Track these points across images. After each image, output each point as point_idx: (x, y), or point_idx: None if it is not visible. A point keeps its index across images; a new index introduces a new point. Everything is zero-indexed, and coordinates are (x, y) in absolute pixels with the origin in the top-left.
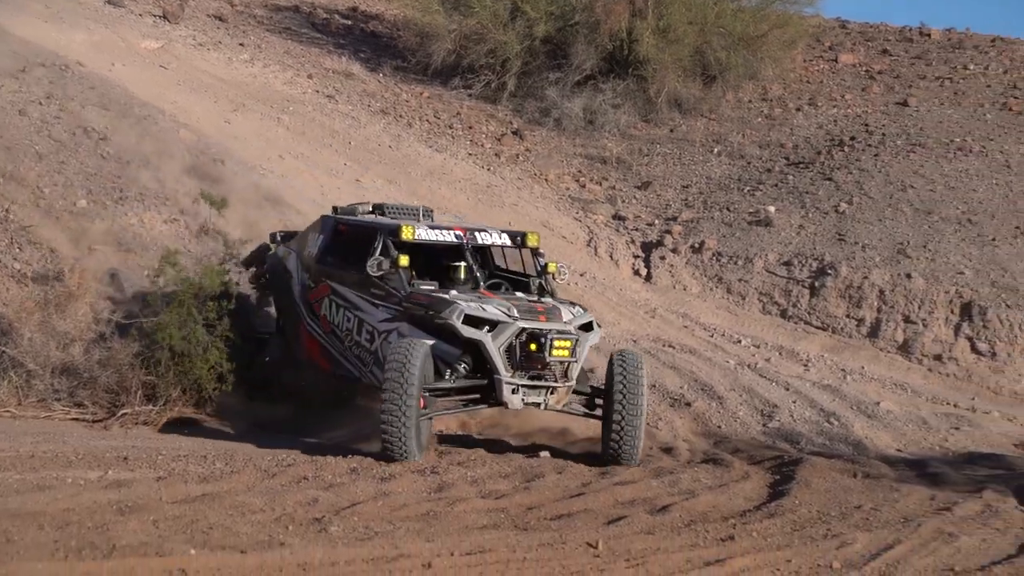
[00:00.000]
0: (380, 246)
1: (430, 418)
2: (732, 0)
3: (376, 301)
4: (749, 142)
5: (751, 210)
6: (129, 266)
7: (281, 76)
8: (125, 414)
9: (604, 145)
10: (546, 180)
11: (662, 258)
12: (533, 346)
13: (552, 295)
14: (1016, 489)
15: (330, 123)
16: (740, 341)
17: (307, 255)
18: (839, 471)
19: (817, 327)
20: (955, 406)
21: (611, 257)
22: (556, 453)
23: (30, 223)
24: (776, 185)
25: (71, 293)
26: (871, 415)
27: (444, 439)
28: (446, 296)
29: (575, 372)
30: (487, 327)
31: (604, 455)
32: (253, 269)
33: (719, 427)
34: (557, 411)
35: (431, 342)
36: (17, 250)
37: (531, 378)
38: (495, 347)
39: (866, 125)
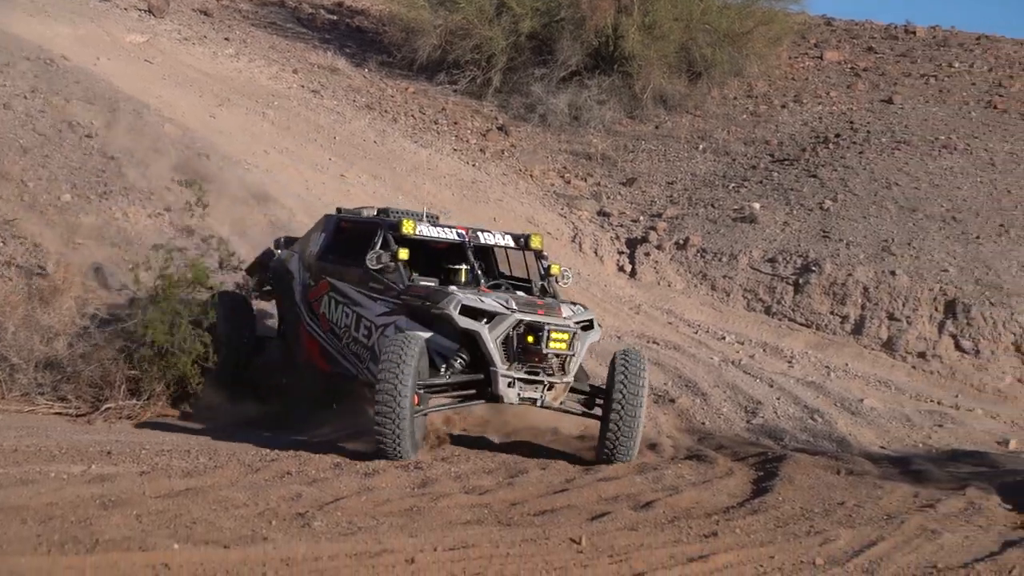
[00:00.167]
0: (380, 240)
1: (425, 415)
2: None
3: (374, 295)
4: (734, 139)
5: (736, 207)
6: (114, 261)
7: (266, 71)
8: (109, 408)
9: (589, 141)
10: (531, 176)
11: (647, 254)
12: (530, 338)
13: (554, 297)
14: (999, 487)
15: (315, 118)
16: (724, 338)
17: (309, 254)
18: (823, 468)
19: (801, 324)
20: (939, 403)
21: (596, 253)
22: (543, 452)
23: (14, 217)
24: (761, 182)
25: (55, 287)
26: (855, 412)
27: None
28: (444, 288)
29: (573, 368)
30: (485, 319)
31: (599, 454)
32: (258, 276)
33: (703, 423)
34: (554, 409)
35: (428, 335)
36: (1, 244)
37: (528, 372)
38: (492, 338)
39: (851, 122)
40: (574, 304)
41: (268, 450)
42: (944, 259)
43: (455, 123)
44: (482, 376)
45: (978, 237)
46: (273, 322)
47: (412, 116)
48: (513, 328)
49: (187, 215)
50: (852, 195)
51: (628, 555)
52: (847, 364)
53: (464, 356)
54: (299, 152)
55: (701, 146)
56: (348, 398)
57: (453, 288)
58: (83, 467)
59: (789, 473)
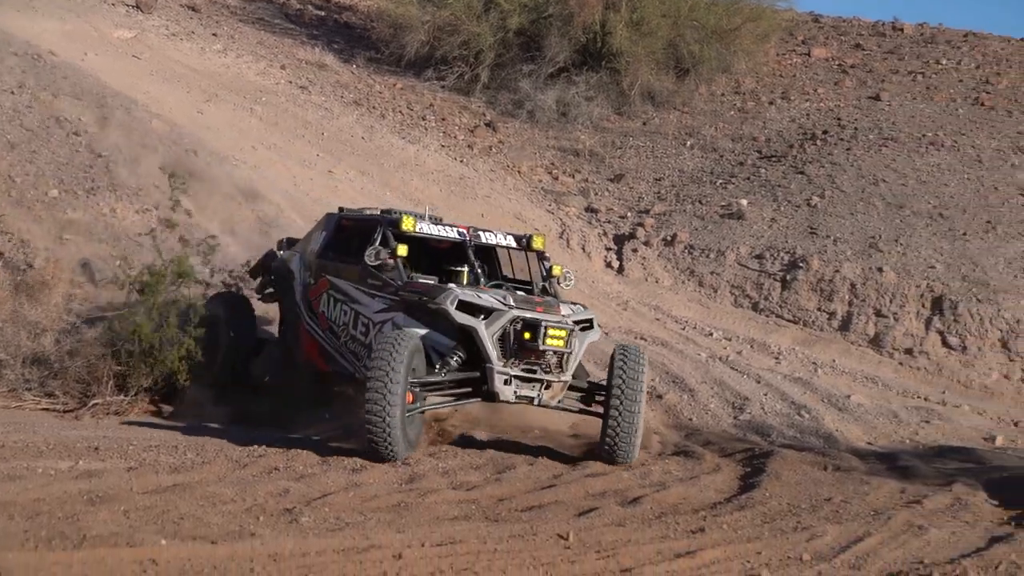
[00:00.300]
0: (380, 237)
1: (421, 413)
2: None
3: (373, 292)
4: (722, 135)
5: (723, 203)
6: (101, 256)
7: (254, 66)
8: (96, 404)
9: (577, 137)
10: (519, 172)
11: (634, 251)
12: (527, 335)
13: (556, 298)
14: (986, 482)
15: (303, 114)
16: (712, 334)
17: (309, 252)
18: (810, 464)
19: (788, 320)
20: (925, 400)
21: (583, 249)
22: (531, 448)
23: (1, 213)
24: (748, 178)
25: (43, 283)
26: (842, 408)
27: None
28: (442, 285)
29: (571, 366)
30: (482, 315)
31: (600, 453)
32: (260, 279)
33: (690, 419)
34: (552, 407)
35: (424, 332)
36: None
37: (525, 370)
38: (488, 334)
39: (838, 119)
40: (574, 304)
41: (256, 446)
42: (931, 256)
43: (443, 119)
44: (478, 374)
45: (965, 234)
46: (271, 327)
47: (400, 112)
48: (510, 324)
49: (174, 212)
50: (839, 192)
51: (615, 551)
52: (834, 360)
53: (461, 353)
54: (287, 148)
55: (689, 142)
56: (339, 399)
57: (451, 285)
58: (70, 463)
59: (776, 469)
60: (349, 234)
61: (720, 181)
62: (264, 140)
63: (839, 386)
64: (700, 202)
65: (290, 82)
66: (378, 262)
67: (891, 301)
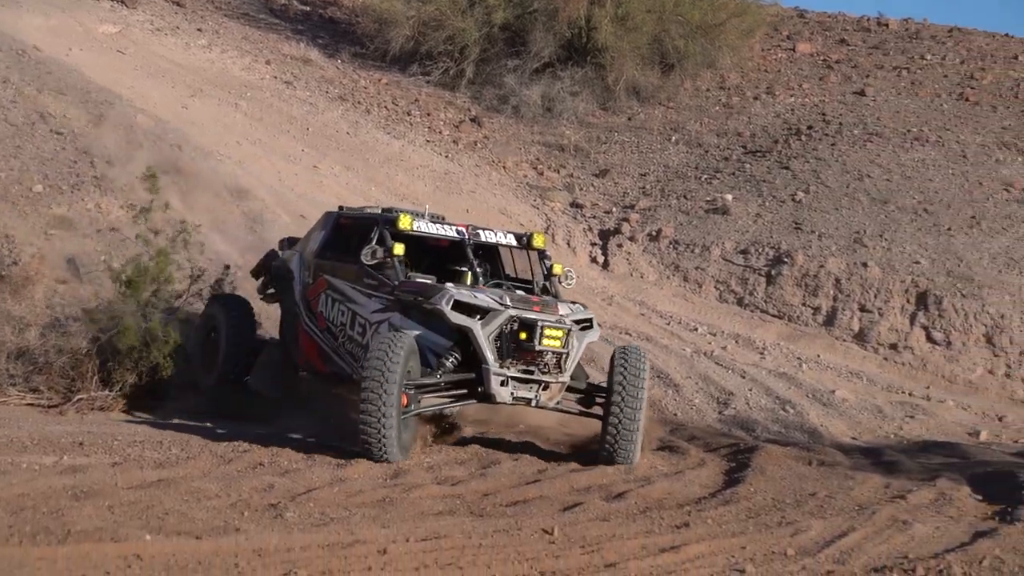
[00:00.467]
0: (377, 236)
1: (416, 415)
2: None
3: (369, 292)
4: (707, 130)
5: (708, 198)
6: (86, 252)
7: (239, 62)
8: (81, 399)
9: (562, 133)
10: (504, 167)
11: (619, 246)
12: (524, 335)
13: (556, 297)
14: (970, 478)
15: (288, 109)
16: (696, 329)
17: (308, 252)
18: (794, 459)
19: (773, 315)
20: (910, 395)
21: (568, 244)
22: (516, 443)
23: None
24: (733, 174)
25: (27, 278)
26: (826, 403)
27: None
28: (438, 284)
29: (569, 366)
30: (478, 315)
31: (600, 455)
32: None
33: (675, 414)
34: (550, 409)
35: (419, 333)
36: None
37: (523, 371)
38: (484, 335)
39: (823, 114)
40: (573, 303)
41: (240, 441)
42: (916, 251)
43: (428, 114)
44: (473, 375)
45: (950, 229)
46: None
47: (385, 107)
48: (506, 324)
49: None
50: (824, 187)
51: (600, 546)
52: (819, 355)
53: (457, 354)
54: (272, 143)
55: (674, 138)
56: (324, 396)
57: (448, 284)
58: (55, 458)
59: (761, 464)
60: (347, 233)
61: (705, 176)
62: (249, 135)
63: (824, 381)
64: (685, 197)
65: (275, 77)
66: (374, 261)
67: (876, 296)
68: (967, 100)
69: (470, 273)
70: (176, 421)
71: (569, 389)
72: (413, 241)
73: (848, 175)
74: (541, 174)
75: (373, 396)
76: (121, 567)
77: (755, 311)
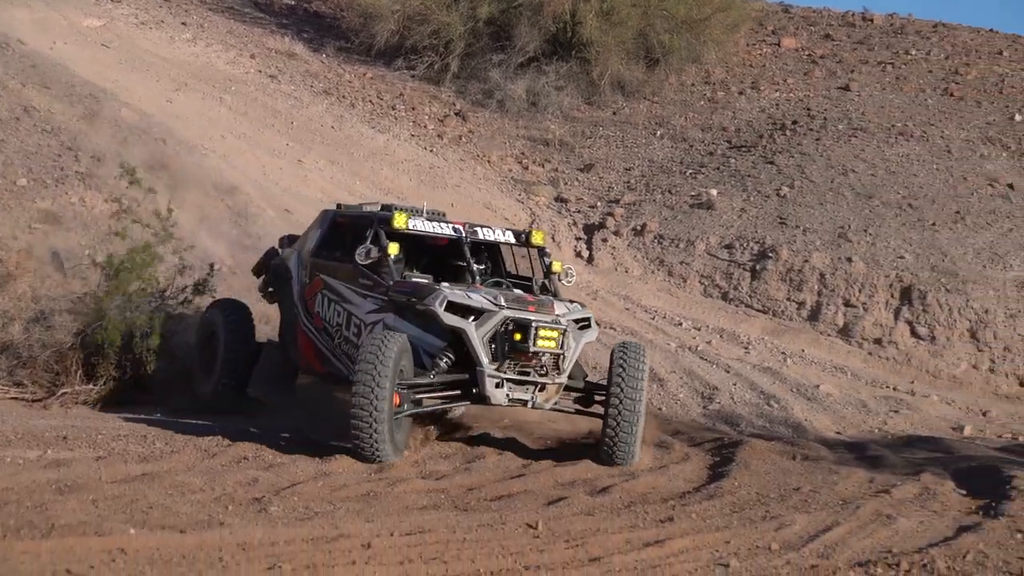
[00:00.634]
0: (372, 235)
1: (409, 416)
2: None
3: (364, 292)
4: (691, 125)
5: (693, 193)
6: (70, 246)
7: (224, 56)
8: (65, 393)
9: (547, 127)
10: (489, 162)
11: (604, 240)
12: (518, 336)
13: (555, 296)
14: (954, 472)
15: (272, 103)
16: (681, 323)
17: (306, 251)
18: (779, 453)
19: (758, 310)
20: (894, 389)
21: (553, 239)
22: (500, 438)
23: None
24: (718, 168)
25: (10, 272)
26: (811, 398)
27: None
28: (432, 284)
29: (566, 367)
30: (472, 316)
31: (600, 455)
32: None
33: (660, 409)
34: (547, 410)
35: (413, 334)
36: None
37: (519, 372)
38: (478, 336)
39: (808, 109)
40: (571, 302)
41: (224, 436)
42: (900, 246)
43: (413, 109)
44: (467, 376)
45: (934, 224)
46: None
47: (370, 101)
48: (501, 325)
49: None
50: (809, 182)
51: (584, 540)
52: (803, 350)
53: (450, 355)
54: (256, 137)
55: (659, 132)
56: (308, 390)
57: (442, 284)
58: (39, 452)
59: (745, 459)
60: (343, 232)
61: (690, 171)
62: (233, 129)
63: (808, 376)
64: (670, 192)
65: (259, 71)
66: (369, 261)
67: (860, 291)
68: (952, 95)
69: (468, 272)
70: (160, 415)
71: (568, 389)
72: (410, 239)
73: (833, 170)
74: (526, 168)
75: (364, 393)
76: (105, 561)
77: (740, 306)
